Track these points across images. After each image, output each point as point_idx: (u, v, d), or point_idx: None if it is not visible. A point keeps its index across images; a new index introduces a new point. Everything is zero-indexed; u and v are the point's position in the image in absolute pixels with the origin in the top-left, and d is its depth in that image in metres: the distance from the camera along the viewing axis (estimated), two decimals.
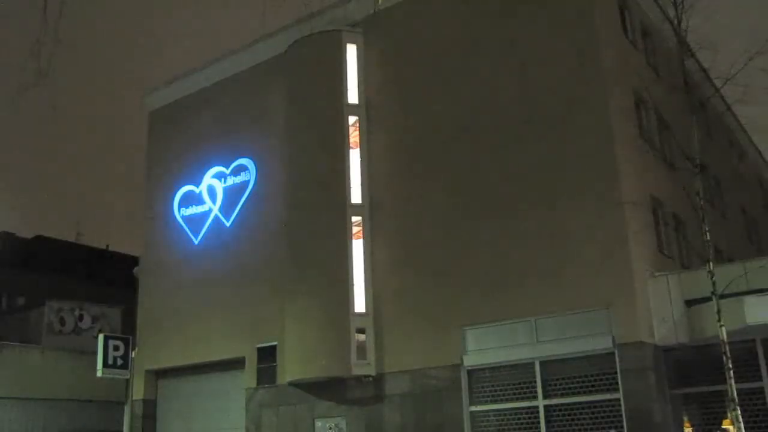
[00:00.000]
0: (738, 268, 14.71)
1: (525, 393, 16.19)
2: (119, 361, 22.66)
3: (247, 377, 20.46)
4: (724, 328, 12.51)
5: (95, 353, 22.79)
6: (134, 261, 27.46)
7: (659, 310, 15.40)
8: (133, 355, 23.05)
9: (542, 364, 16.02)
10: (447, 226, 17.85)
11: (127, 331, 25.66)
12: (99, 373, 22.50)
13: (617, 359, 14.97)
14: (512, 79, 17.71)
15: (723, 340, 12.42)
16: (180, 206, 24.00)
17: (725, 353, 12.34)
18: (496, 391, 16.61)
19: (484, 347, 16.80)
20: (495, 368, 16.64)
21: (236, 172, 22.58)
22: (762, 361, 14.52)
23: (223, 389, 21.35)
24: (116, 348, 22.76)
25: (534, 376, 16.08)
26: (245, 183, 22.22)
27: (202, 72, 24.64)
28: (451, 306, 17.20)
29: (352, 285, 18.58)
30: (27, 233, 41.84)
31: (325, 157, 19.77)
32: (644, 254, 15.95)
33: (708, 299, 13.23)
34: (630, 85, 17.74)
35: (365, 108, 20.13)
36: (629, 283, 15.12)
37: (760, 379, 14.46)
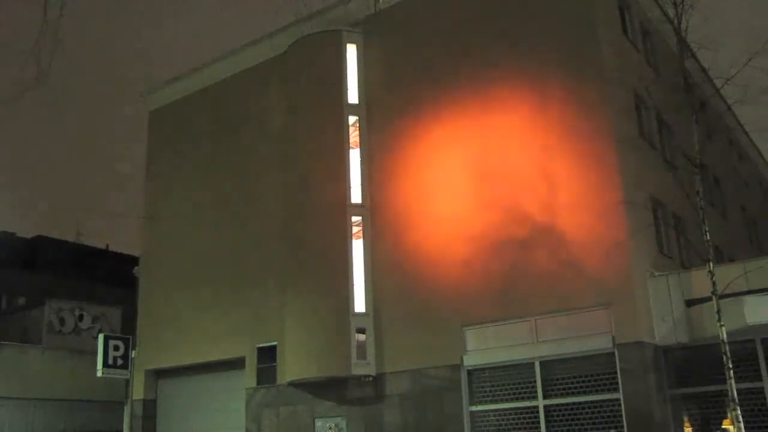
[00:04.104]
0: (738, 268, 14.73)
1: (525, 393, 16.20)
2: (119, 361, 22.72)
3: (247, 377, 20.46)
4: (724, 328, 12.53)
5: (95, 353, 22.83)
6: (134, 261, 27.45)
7: (659, 310, 15.40)
8: (133, 355, 23.08)
9: (542, 364, 16.02)
10: (447, 225, 17.84)
11: (127, 331, 25.67)
12: (99, 373, 22.55)
13: (617, 359, 14.97)
14: (512, 79, 17.71)
15: (723, 340, 12.44)
16: (180, 206, 23.97)
17: (725, 353, 12.36)
18: (496, 391, 16.61)
19: (484, 347, 16.80)
20: (495, 368, 16.65)
21: (236, 172, 22.55)
22: (762, 361, 14.51)
23: (223, 389, 21.35)
24: (116, 348, 22.82)
25: (534, 376, 16.08)
26: (245, 183, 22.19)
27: (202, 72, 24.63)
28: (451, 306, 17.19)
29: (352, 285, 18.59)
30: (27, 233, 41.87)
31: (325, 157, 19.78)
32: (644, 254, 15.95)
33: (708, 299, 13.26)
34: (630, 85, 17.73)
35: (365, 108, 20.14)
36: (629, 283, 15.12)
37: (760, 379, 14.45)
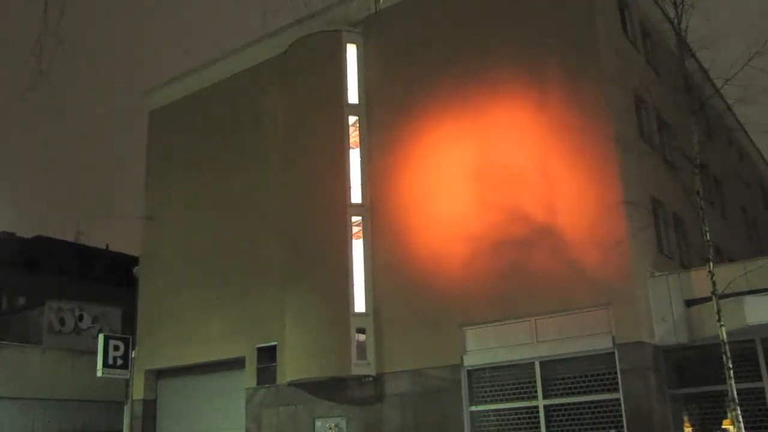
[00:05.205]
0: (738, 268, 14.71)
1: (525, 393, 16.20)
2: (119, 361, 22.72)
3: (247, 377, 20.46)
4: (724, 328, 12.52)
5: (95, 353, 22.82)
6: (134, 261, 27.46)
7: (659, 310, 15.40)
8: (133, 355, 23.08)
9: (542, 364, 16.02)
10: (447, 225, 17.84)
11: (127, 331, 25.67)
12: (99, 373, 22.55)
13: (617, 359, 14.97)
14: (512, 79, 17.70)
15: (723, 340, 12.43)
16: (180, 206, 23.96)
17: (725, 353, 12.36)
18: (496, 391, 16.61)
19: (484, 347, 16.80)
20: (495, 368, 16.65)
21: (236, 172, 22.54)
22: (762, 361, 14.52)
23: (223, 389, 21.35)
24: (116, 348, 22.81)
25: (534, 376, 16.08)
26: (245, 183, 22.19)
27: (202, 72, 24.63)
28: (451, 306, 17.19)
29: (352, 285, 18.59)
30: (27, 233, 41.85)
31: (325, 157, 19.78)
32: (644, 254, 15.95)
33: (708, 299, 13.25)
34: (630, 85, 17.74)
35: (365, 108, 20.14)
36: (629, 283, 15.12)
37: (760, 379, 14.45)
